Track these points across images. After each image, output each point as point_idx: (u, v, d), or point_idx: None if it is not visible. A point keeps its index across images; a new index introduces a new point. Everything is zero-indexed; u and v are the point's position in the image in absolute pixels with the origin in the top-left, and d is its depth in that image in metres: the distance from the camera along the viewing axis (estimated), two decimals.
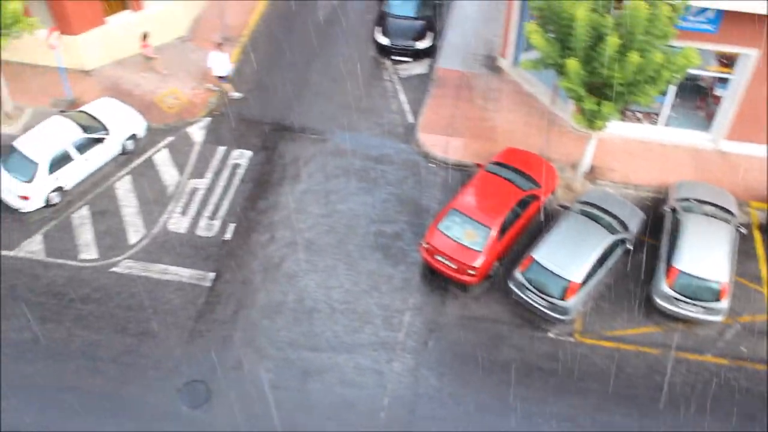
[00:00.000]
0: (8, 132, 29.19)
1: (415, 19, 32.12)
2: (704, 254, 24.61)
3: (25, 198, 26.69)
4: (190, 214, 27.18)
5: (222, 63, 29.88)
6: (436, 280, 25.78)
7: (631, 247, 25.76)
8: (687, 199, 26.54)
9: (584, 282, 24.33)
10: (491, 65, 31.48)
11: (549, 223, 26.46)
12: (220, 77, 30.19)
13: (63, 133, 27.43)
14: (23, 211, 27.04)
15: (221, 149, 28.97)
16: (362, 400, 23.48)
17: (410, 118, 30.08)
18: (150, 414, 23.11)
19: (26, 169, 26.72)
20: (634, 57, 23.36)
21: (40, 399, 23.25)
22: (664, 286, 24.55)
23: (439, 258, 25.21)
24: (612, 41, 23.33)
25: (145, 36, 30.54)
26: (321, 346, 24.42)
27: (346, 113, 30.26)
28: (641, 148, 29.22)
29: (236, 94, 30.56)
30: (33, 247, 26.27)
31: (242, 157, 28.74)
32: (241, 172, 28.34)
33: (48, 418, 22.96)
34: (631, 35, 23.73)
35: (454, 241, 25.15)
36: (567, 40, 24.32)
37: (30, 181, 26.64)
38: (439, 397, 23.58)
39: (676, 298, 24.47)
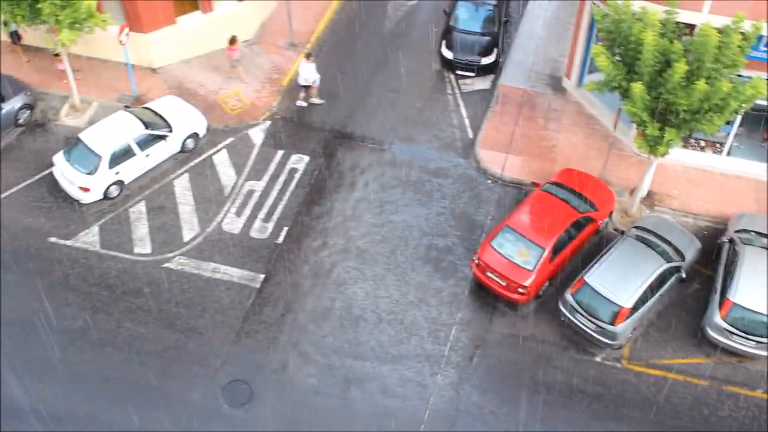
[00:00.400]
0: (74, 124, 29.73)
1: (482, 34, 32.04)
2: (760, 287, 24.12)
3: (86, 189, 27.13)
4: (244, 215, 27.39)
5: (310, 73, 30.13)
6: (485, 296, 25.64)
7: (685, 276, 25.38)
8: (746, 231, 26.07)
9: (635, 308, 24.02)
10: (555, 85, 31.28)
11: (603, 246, 26.18)
12: (304, 86, 30.46)
13: (126, 128, 27.86)
14: (82, 202, 27.49)
15: (280, 153, 29.17)
16: (403, 412, 23.40)
17: (470, 133, 29.99)
18: (192, 409, 23.31)
19: (89, 161, 27.17)
20: (701, 85, 23.04)
21: (86, 386, 23.60)
22: (717, 318, 24.12)
23: (490, 275, 25.07)
24: (679, 67, 23.04)
25: (233, 40, 30.80)
26: (365, 354, 24.42)
27: (406, 124, 30.28)
28: (702, 177, 28.79)
29: (302, 103, 30.77)
30: (89, 238, 26.69)
31: (300, 162, 28.91)
32: (297, 176, 28.50)
33: (94, 405, 23.31)
34: (699, 62, 23.41)
35: (506, 258, 25.01)
36: (633, 63, 24.09)
37: (91, 173, 27.08)
38: (480, 414, 23.41)
39: (728, 331, 24.02)
